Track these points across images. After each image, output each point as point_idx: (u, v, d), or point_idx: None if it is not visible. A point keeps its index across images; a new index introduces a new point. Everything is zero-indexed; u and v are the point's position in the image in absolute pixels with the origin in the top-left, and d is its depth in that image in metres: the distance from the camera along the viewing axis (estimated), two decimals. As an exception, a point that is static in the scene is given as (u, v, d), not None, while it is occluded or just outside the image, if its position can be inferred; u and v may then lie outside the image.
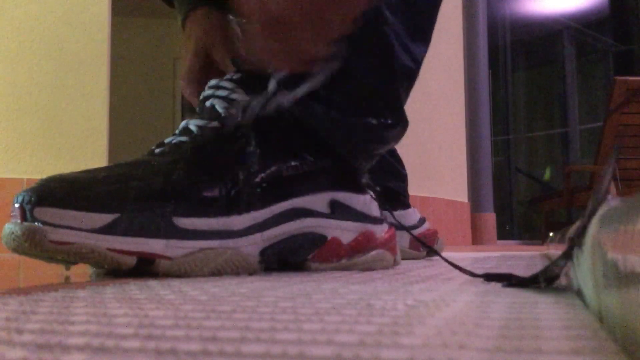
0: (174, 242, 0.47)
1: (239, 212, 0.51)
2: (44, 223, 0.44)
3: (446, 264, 0.56)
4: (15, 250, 0.45)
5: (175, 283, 0.39)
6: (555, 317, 0.22)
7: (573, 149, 5.47)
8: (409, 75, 0.62)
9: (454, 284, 0.39)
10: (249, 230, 0.51)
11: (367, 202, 0.60)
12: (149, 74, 3.59)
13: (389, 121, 0.60)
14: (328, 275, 0.48)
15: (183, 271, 0.47)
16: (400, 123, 0.61)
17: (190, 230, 0.48)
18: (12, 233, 0.44)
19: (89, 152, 1.75)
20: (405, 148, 0.97)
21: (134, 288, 0.35)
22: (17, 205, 0.45)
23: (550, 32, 5.61)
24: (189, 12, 0.65)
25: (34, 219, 0.44)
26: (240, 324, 0.21)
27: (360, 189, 0.60)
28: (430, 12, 0.65)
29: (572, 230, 0.34)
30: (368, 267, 0.57)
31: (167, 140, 0.55)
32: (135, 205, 0.47)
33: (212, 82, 0.57)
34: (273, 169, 0.54)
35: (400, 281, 0.41)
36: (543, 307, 0.26)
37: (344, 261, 0.56)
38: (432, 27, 0.65)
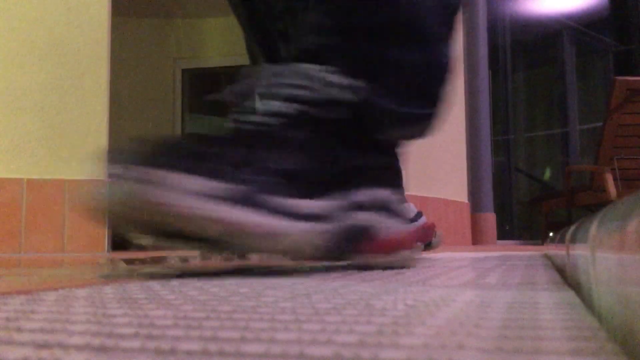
0: (289, 222, 0.49)
1: (321, 198, 0.53)
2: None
3: (446, 264, 0.56)
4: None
5: (175, 283, 0.39)
6: (555, 317, 0.23)
7: (573, 149, 5.47)
8: (448, 69, 0.66)
9: (454, 284, 0.39)
10: (325, 216, 0.53)
11: (402, 202, 0.64)
12: (149, 74, 3.59)
13: (436, 111, 0.65)
14: (328, 276, 0.48)
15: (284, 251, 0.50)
16: (438, 112, 0.66)
17: (294, 213, 0.50)
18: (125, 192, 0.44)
19: (89, 152, 1.75)
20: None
21: (134, 288, 0.35)
22: None
23: (550, 32, 5.61)
24: None
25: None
26: (240, 324, 0.21)
27: (401, 189, 0.64)
28: (455, 13, 0.68)
29: (572, 229, 0.34)
30: (403, 264, 0.60)
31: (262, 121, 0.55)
32: (248, 179, 0.48)
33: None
34: (351, 160, 0.57)
35: (400, 281, 0.41)
36: (543, 307, 0.26)
37: (386, 256, 0.59)
38: (454, 26, 0.69)
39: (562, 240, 0.54)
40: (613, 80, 2.91)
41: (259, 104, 0.56)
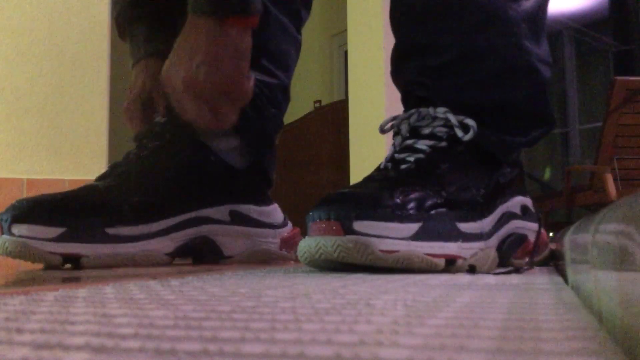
0: (464, 245, 0.55)
1: (486, 216, 0.59)
2: (364, 234, 0.50)
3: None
4: (344, 259, 0.51)
5: (175, 283, 0.39)
6: (555, 317, 0.22)
7: (573, 149, 5.46)
8: (550, 80, 0.69)
9: (454, 285, 0.39)
10: (491, 231, 0.59)
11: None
12: (149, 73, 3.58)
13: (546, 129, 0.69)
14: (328, 276, 0.48)
15: (471, 268, 0.54)
16: (554, 125, 0.70)
17: (469, 233, 0.56)
18: (339, 245, 0.50)
19: (89, 152, 1.75)
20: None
21: (134, 288, 0.35)
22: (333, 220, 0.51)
23: (550, 32, 5.59)
24: (141, 59, 0.79)
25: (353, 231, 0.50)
26: (240, 324, 0.21)
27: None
28: (544, 11, 0.70)
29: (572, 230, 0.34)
30: (541, 264, 0.64)
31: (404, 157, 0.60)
32: (430, 215, 0.54)
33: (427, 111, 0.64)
34: (495, 177, 0.62)
35: (400, 281, 0.41)
36: (543, 307, 0.26)
37: (531, 258, 0.61)
38: (545, 21, 0.71)
39: (562, 241, 0.54)
40: (613, 80, 2.91)
41: (409, 142, 0.61)
